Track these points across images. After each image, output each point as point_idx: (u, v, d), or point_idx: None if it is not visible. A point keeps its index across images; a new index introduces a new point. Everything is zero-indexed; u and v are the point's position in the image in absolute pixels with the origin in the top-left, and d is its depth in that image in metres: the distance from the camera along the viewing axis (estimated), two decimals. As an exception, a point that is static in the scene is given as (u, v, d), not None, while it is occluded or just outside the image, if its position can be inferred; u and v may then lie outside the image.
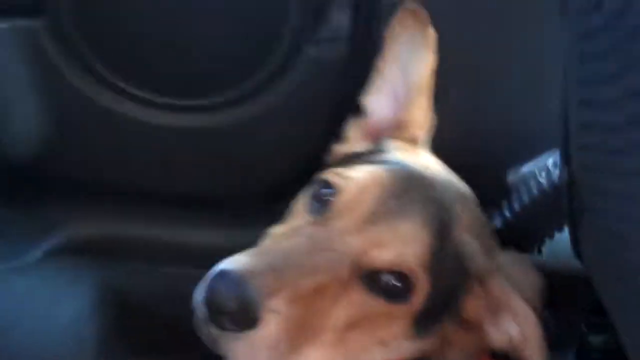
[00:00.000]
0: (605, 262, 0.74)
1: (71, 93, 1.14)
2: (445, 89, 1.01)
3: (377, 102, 1.03)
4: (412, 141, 0.99)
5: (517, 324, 0.85)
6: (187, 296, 1.18)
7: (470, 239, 0.87)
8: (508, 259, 0.91)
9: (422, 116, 1.00)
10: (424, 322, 0.85)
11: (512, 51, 1.19)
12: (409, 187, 0.86)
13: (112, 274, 1.10)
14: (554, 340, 0.92)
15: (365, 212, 0.84)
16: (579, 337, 1.06)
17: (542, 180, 1.20)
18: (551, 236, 1.26)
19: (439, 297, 0.84)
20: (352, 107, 1.03)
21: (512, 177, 1.25)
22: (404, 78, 1.00)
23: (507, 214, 1.24)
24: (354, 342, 0.83)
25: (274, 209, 1.18)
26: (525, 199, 1.22)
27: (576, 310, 1.11)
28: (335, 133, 1.05)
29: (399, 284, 0.82)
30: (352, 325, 0.82)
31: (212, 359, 0.96)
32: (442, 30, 0.95)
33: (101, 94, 1.15)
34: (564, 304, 1.16)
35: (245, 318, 0.75)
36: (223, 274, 0.77)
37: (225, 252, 1.19)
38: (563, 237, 1.27)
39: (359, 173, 0.88)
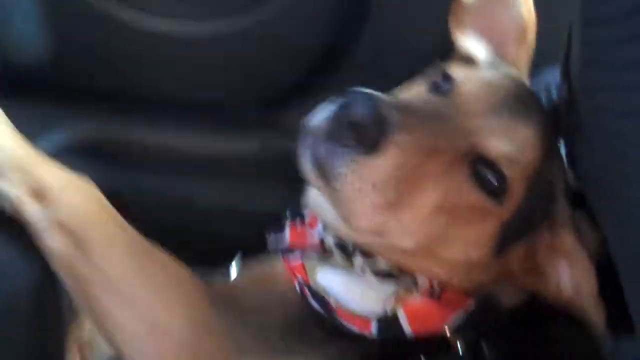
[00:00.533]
0: (600, 177, 0.75)
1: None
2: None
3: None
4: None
5: (575, 274, 0.86)
6: (184, 202, 1.20)
7: (559, 180, 0.89)
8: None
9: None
10: (505, 236, 0.86)
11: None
12: (527, 99, 0.88)
13: (109, 177, 1.11)
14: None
15: (489, 103, 0.84)
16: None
17: (541, 97, 1.20)
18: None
19: (522, 217, 0.85)
20: (356, 16, 1.02)
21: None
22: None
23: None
24: (438, 228, 0.83)
25: (275, 116, 1.19)
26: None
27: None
28: (338, 42, 1.05)
29: (495, 183, 0.82)
30: (444, 209, 0.82)
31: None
32: None
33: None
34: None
35: (372, 137, 0.74)
36: (361, 94, 0.76)
37: (225, 159, 1.21)
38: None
39: (482, 72, 0.89)
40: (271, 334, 0.86)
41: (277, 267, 0.93)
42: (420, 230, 0.83)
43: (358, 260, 0.89)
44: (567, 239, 0.87)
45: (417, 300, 0.88)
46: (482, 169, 0.82)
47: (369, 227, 0.82)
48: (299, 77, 1.22)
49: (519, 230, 0.87)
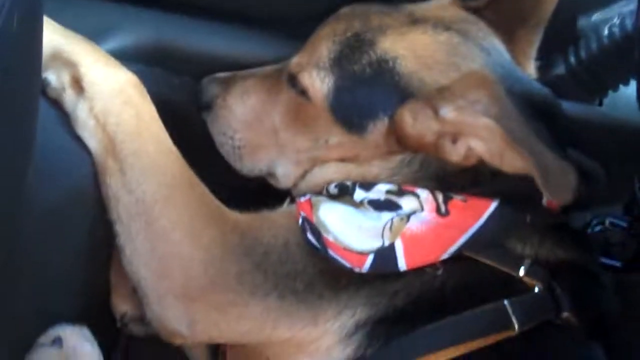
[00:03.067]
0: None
1: None
2: None
3: None
4: None
5: (482, 141, 0.82)
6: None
7: (409, 59, 0.91)
8: None
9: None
10: (345, 118, 0.94)
11: None
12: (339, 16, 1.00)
13: (162, 83, 1.11)
14: (604, 193, 0.90)
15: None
16: (630, 191, 1.04)
17: (615, 28, 1.14)
18: (615, 88, 1.21)
19: (350, 96, 0.93)
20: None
21: (582, 22, 1.19)
22: None
23: (572, 60, 1.18)
24: (298, 144, 0.99)
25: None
26: (594, 46, 1.16)
27: (632, 166, 1.08)
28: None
29: (298, 85, 0.97)
30: (289, 127, 0.99)
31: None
32: None
33: None
34: (621, 158, 1.13)
35: (203, 100, 1.06)
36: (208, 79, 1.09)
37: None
38: (627, 91, 1.23)
39: None
40: (297, 279, 0.87)
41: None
42: (289, 152, 1.00)
43: (357, 193, 0.90)
44: (451, 113, 0.83)
45: (416, 227, 0.86)
46: (293, 81, 0.99)
47: (248, 170, 1.04)
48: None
49: (355, 107, 0.94)
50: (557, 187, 0.76)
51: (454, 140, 0.85)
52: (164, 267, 0.87)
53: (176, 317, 0.87)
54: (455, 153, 0.85)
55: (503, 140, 0.78)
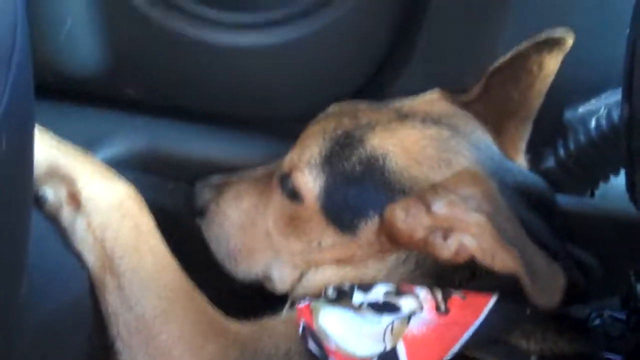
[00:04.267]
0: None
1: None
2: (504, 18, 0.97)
3: None
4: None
5: (472, 237, 0.82)
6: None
7: (399, 155, 0.92)
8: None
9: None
10: (337, 218, 0.94)
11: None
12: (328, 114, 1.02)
13: (158, 190, 1.12)
14: (600, 286, 0.89)
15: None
16: (627, 284, 1.02)
17: (602, 120, 1.15)
18: (606, 179, 1.21)
19: (341, 196, 0.93)
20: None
21: (569, 115, 1.20)
22: None
23: (562, 153, 1.19)
24: (292, 247, 0.98)
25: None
26: (582, 138, 1.17)
27: (626, 258, 1.07)
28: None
29: (290, 186, 0.97)
30: (283, 231, 0.99)
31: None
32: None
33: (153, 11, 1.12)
34: (614, 250, 1.12)
35: (197, 206, 1.07)
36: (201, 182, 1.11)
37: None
38: (618, 181, 1.23)
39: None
40: None
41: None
42: (284, 256, 1.00)
43: (355, 296, 0.89)
44: (442, 208, 0.84)
45: (417, 328, 0.84)
46: (285, 182, 0.99)
47: (244, 275, 1.04)
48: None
49: (347, 209, 0.93)
50: (545, 290, 0.76)
51: (445, 237, 0.84)
52: None
53: None
54: (447, 249, 0.85)
55: (493, 238, 0.78)
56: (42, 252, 0.80)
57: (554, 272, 0.77)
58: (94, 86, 1.17)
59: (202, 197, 1.07)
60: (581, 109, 1.20)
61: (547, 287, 0.76)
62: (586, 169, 1.19)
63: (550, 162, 1.20)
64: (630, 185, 0.84)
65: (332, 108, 1.02)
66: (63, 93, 1.15)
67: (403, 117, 0.98)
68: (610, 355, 0.97)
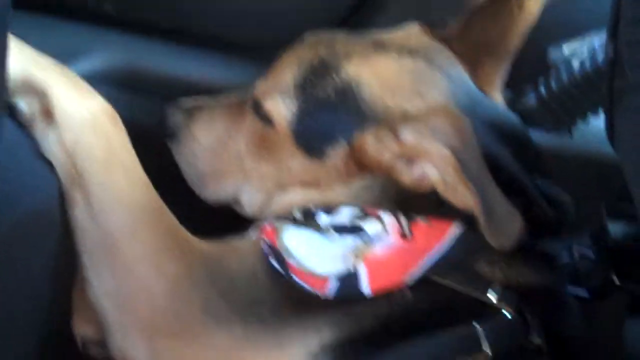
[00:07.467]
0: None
1: None
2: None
3: None
4: None
5: (435, 168, 0.83)
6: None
7: (373, 84, 0.92)
8: None
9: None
10: (307, 144, 0.94)
11: None
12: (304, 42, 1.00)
13: (134, 107, 1.12)
14: (574, 222, 0.91)
15: None
16: (599, 223, 1.04)
17: (586, 62, 1.16)
18: (585, 119, 1.23)
19: (313, 122, 0.93)
20: None
21: (553, 54, 1.20)
22: None
23: (543, 91, 1.20)
24: (262, 170, 0.98)
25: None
26: (565, 78, 1.17)
27: (601, 198, 1.09)
28: None
29: (262, 111, 0.97)
30: (254, 154, 0.99)
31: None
32: None
33: None
34: (590, 188, 1.14)
35: (170, 129, 1.06)
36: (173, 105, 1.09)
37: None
38: (595, 122, 1.24)
39: None
40: (262, 305, 0.86)
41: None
42: (254, 180, 1.00)
43: (321, 218, 0.90)
44: (409, 136, 0.85)
45: (380, 251, 0.85)
46: (257, 107, 0.98)
47: (214, 198, 1.04)
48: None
49: (317, 134, 0.94)
50: (499, 233, 0.77)
51: (410, 164, 0.85)
52: (128, 300, 0.86)
53: (139, 350, 0.86)
54: (408, 175, 0.86)
55: (456, 173, 0.79)
56: (10, 159, 0.79)
57: (512, 216, 0.78)
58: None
59: (173, 120, 1.06)
60: (565, 49, 1.20)
61: (502, 229, 0.78)
62: (566, 108, 1.20)
63: (531, 100, 1.21)
64: (609, 125, 0.85)
65: (309, 37, 1.01)
66: (41, 6, 1.12)
67: (380, 47, 0.97)
68: (577, 290, 0.99)
